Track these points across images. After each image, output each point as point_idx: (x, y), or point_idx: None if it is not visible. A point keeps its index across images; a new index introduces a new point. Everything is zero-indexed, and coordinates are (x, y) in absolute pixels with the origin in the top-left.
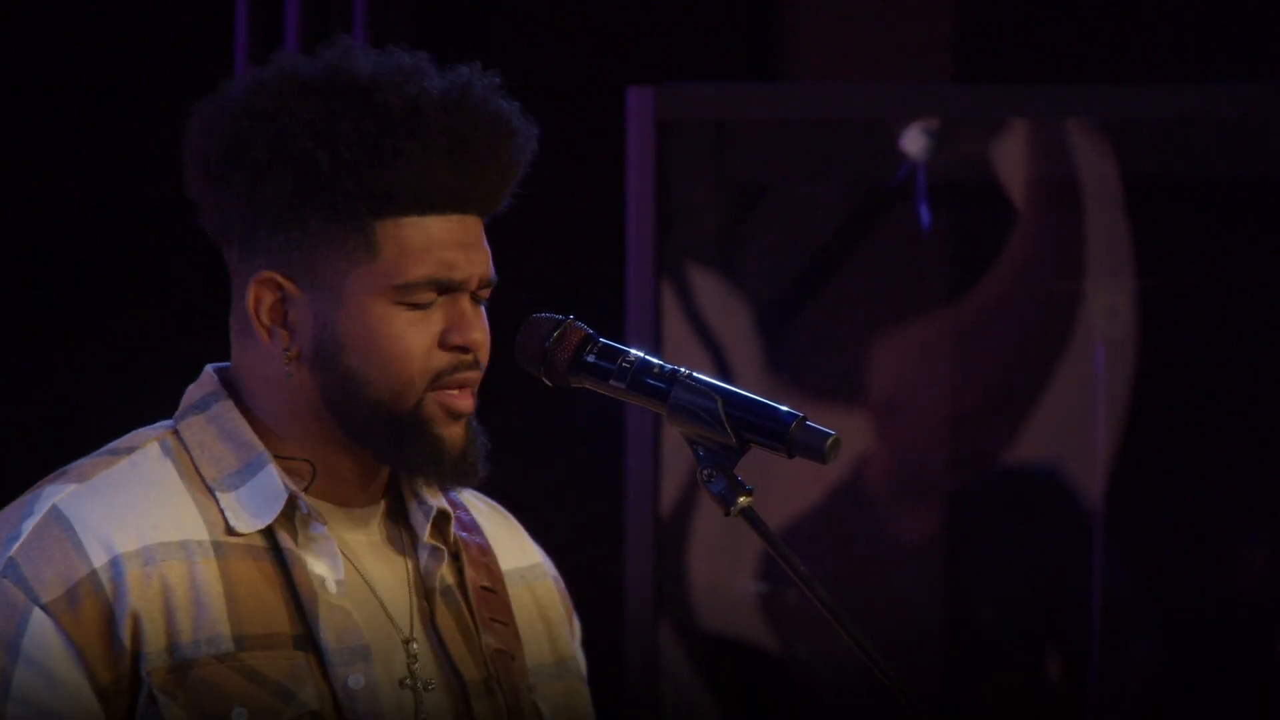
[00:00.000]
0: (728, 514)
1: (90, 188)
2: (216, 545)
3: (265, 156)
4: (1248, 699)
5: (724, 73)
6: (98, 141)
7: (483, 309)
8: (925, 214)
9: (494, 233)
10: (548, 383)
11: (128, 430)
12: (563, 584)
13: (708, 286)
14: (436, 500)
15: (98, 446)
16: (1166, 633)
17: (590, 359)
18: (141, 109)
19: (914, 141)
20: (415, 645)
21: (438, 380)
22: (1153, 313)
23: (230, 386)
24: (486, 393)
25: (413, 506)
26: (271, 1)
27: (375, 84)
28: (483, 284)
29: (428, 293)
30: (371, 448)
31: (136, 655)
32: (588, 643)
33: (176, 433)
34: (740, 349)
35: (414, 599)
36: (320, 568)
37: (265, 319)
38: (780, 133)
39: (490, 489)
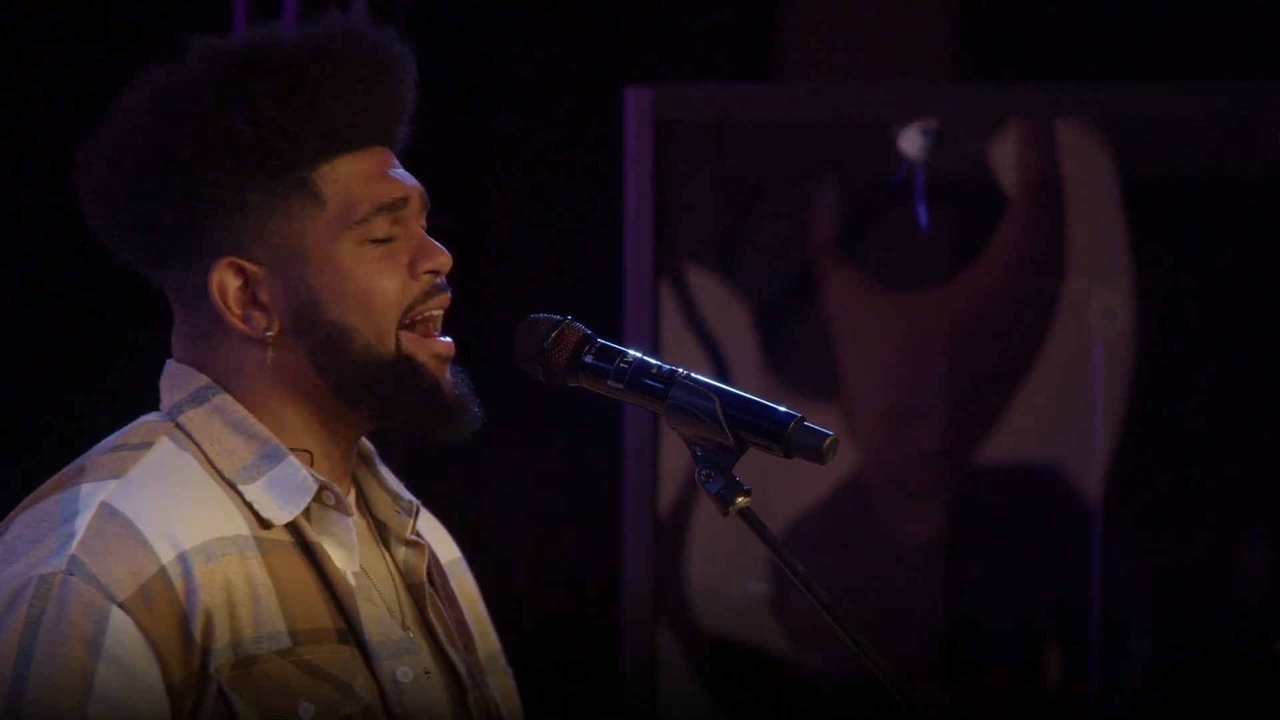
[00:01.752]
0: (726, 514)
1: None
2: (257, 540)
3: (191, 150)
4: (1247, 698)
5: (723, 73)
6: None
7: None
8: (924, 214)
9: (494, 232)
10: (546, 383)
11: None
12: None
13: (706, 286)
14: (405, 493)
15: (86, 449)
16: (1166, 632)
17: (588, 359)
18: None
19: (912, 141)
20: (412, 636)
21: (411, 312)
22: (1151, 313)
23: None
24: (486, 393)
25: (380, 499)
26: (271, 2)
27: (266, 45)
28: (423, 203)
29: (382, 222)
30: (369, 403)
31: (206, 652)
32: (587, 643)
33: (179, 426)
34: (739, 349)
35: (399, 592)
36: (340, 560)
37: (235, 306)
38: (779, 133)
39: (491, 489)
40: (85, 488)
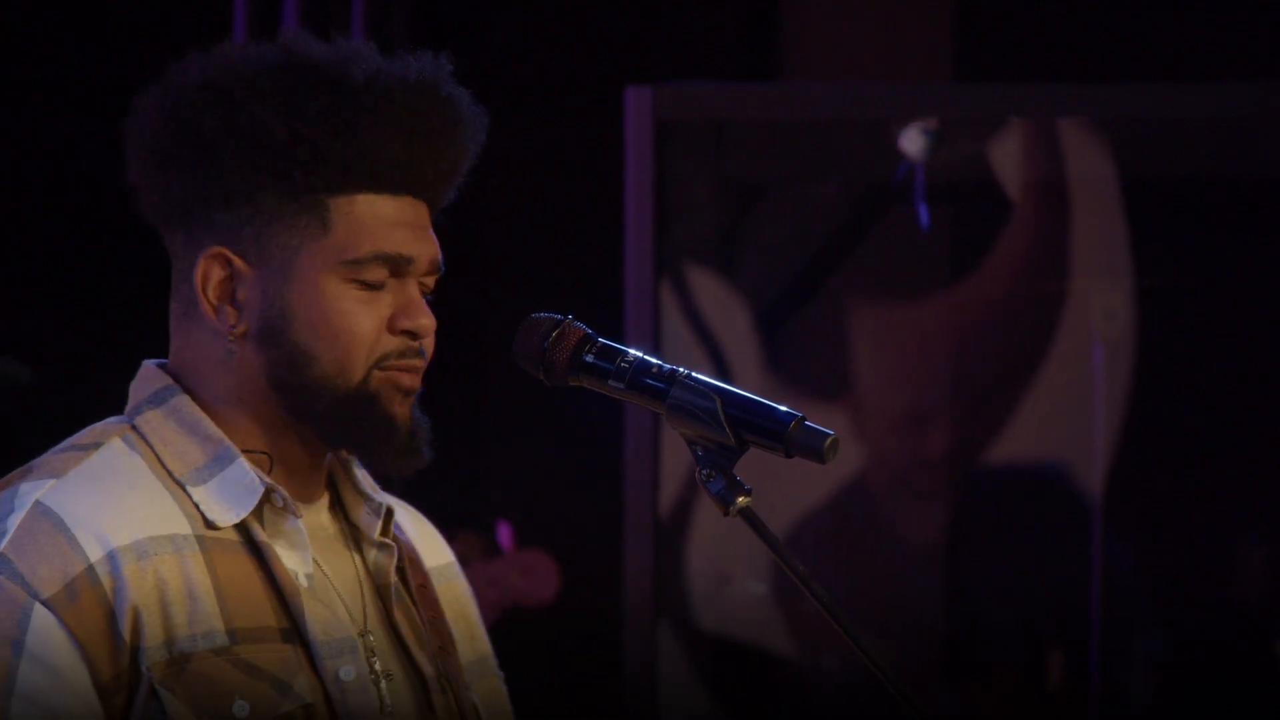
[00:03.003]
0: (726, 514)
1: (89, 187)
2: (200, 539)
3: (219, 131)
4: (1247, 697)
5: (723, 73)
6: (94, 140)
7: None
8: (924, 213)
9: (494, 232)
10: (546, 383)
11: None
12: (467, 582)
13: (707, 286)
14: (381, 497)
15: (31, 442)
16: (1166, 632)
17: (589, 359)
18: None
19: (913, 141)
20: (372, 638)
21: (383, 363)
22: (1151, 313)
23: (179, 380)
24: (486, 393)
25: (355, 501)
26: (271, 2)
27: (332, 62)
28: (431, 268)
29: (378, 270)
30: (317, 428)
31: (136, 650)
32: (588, 642)
33: (134, 428)
34: (739, 348)
35: (365, 593)
36: (292, 561)
37: (212, 296)
38: (779, 132)
39: (492, 489)
40: (24, 486)
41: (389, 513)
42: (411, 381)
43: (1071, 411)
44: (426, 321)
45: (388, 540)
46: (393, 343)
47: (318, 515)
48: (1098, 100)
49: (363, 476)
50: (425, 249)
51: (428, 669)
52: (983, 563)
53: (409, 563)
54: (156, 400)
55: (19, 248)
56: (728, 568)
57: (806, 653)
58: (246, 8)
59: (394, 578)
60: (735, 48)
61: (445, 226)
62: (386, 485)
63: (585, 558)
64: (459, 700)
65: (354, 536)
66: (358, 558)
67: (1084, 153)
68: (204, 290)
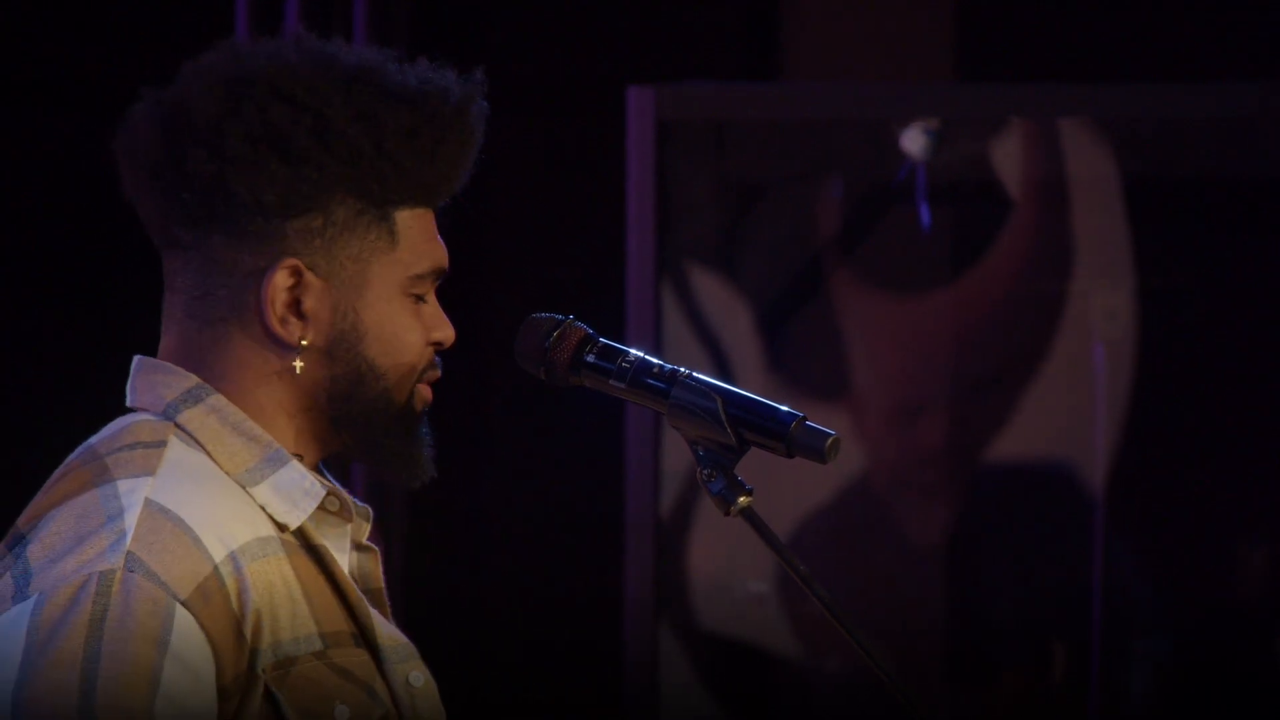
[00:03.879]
0: (727, 514)
1: (89, 187)
2: (283, 542)
3: (304, 142)
4: (1249, 697)
5: (724, 73)
6: (95, 141)
7: None
8: (925, 213)
9: (495, 232)
10: (547, 382)
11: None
12: None
13: (708, 286)
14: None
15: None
16: (1168, 631)
17: (590, 359)
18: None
19: (914, 141)
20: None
21: (422, 376)
22: (1152, 312)
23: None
24: (486, 393)
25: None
26: (272, 2)
27: (406, 80)
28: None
29: (428, 283)
30: (354, 438)
31: (254, 652)
32: (588, 642)
33: (178, 425)
34: (740, 349)
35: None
36: (342, 563)
37: (279, 308)
38: (780, 133)
39: (492, 489)
40: (123, 484)
41: (372, 517)
42: (431, 396)
43: (1072, 411)
44: (452, 332)
45: (370, 544)
46: (428, 355)
47: None
48: (1098, 100)
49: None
50: (448, 259)
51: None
52: (984, 562)
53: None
54: (192, 398)
55: (18, 248)
56: (729, 568)
57: (808, 653)
58: (248, 7)
59: (381, 582)
60: (736, 48)
61: (446, 227)
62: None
63: (586, 558)
64: None
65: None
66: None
67: (1085, 153)
68: (272, 300)
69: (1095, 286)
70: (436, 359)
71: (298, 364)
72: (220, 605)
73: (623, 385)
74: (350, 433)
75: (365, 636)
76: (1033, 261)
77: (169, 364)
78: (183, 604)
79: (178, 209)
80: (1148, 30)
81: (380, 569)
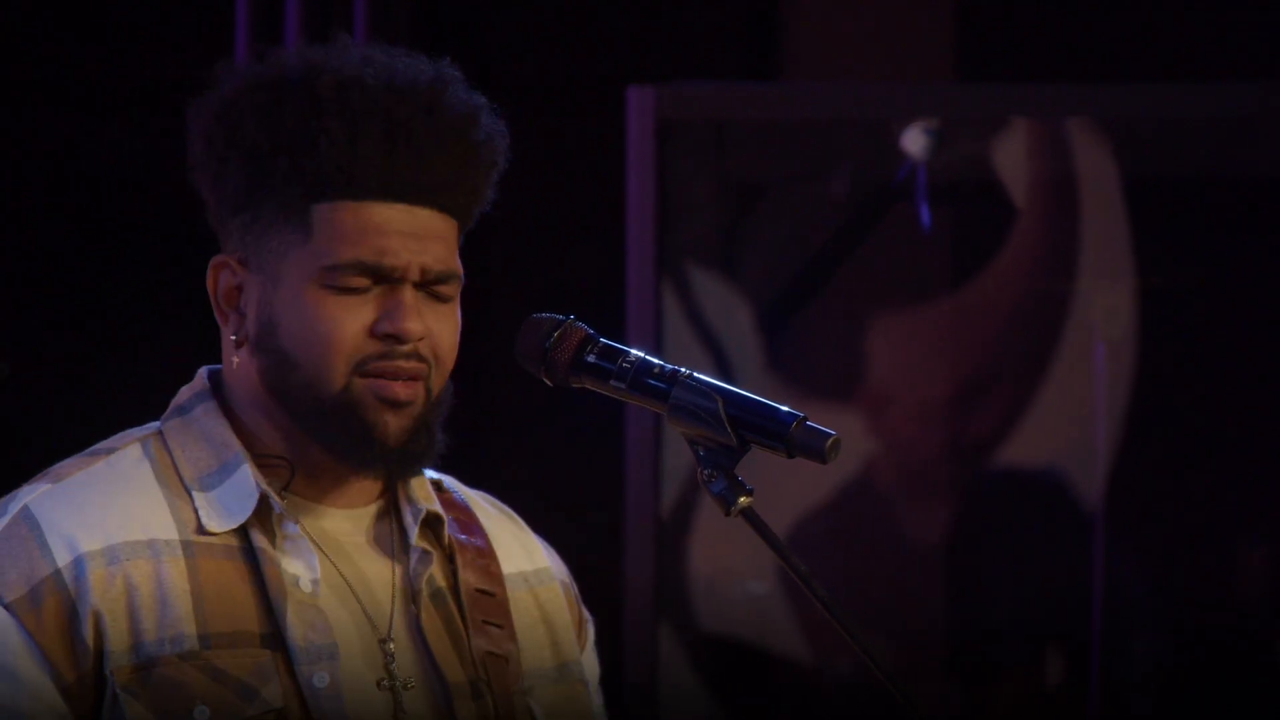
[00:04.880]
0: (728, 514)
1: (89, 187)
2: (186, 544)
3: (221, 149)
4: (1248, 698)
5: (724, 73)
6: (96, 141)
7: (448, 305)
8: (926, 213)
9: (495, 232)
10: (548, 383)
11: (116, 431)
12: (575, 589)
13: (708, 286)
14: (428, 503)
15: (83, 448)
16: (1168, 632)
17: (590, 359)
18: (140, 110)
19: (914, 141)
20: (392, 645)
21: (364, 366)
22: (1153, 312)
23: (218, 387)
24: (487, 393)
25: (404, 507)
26: (272, 2)
27: (307, 71)
28: (426, 276)
29: (357, 277)
30: (309, 432)
31: (100, 654)
32: None
33: (160, 434)
34: (740, 349)
35: (396, 600)
36: (295, 567)
37: (223, 303)
38: (780, 132)
39: (492, 488)
40: (24, 490)
41: (430, 517)
42: (403, 392)
43: (1074, 411)
44: (413, 326)
45: (425, 545)
46: (373, 346)
47: (357, 520)
48: (1099, 100)
49: (418, 482)
50: (416, 258)
51: (457, 675)
52: (984, 563)
53: (470, 567)
54: (185, 408)
55: (18, 248)
56: (729, 568)
57: (808, 653)
58: (248, 8)
59: (426, 584)
60: (736, 48)
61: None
62: (479, 486)
63: (586, 558)
64: (501, 707)
65: (403, 543)
66: (398, 564)
67: (1086, 152)
68: (215, 296)
69: (1096, 286)
70: (409, 352)
71: (234, 358)
72: (53, 608)
73: (623, 385)
74: (304, 425)
75: (280, 637)
76: (1033, 262)
77: (203, 372)
78: (5, 606)
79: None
80: (1148, 30)
81: (429, 570)
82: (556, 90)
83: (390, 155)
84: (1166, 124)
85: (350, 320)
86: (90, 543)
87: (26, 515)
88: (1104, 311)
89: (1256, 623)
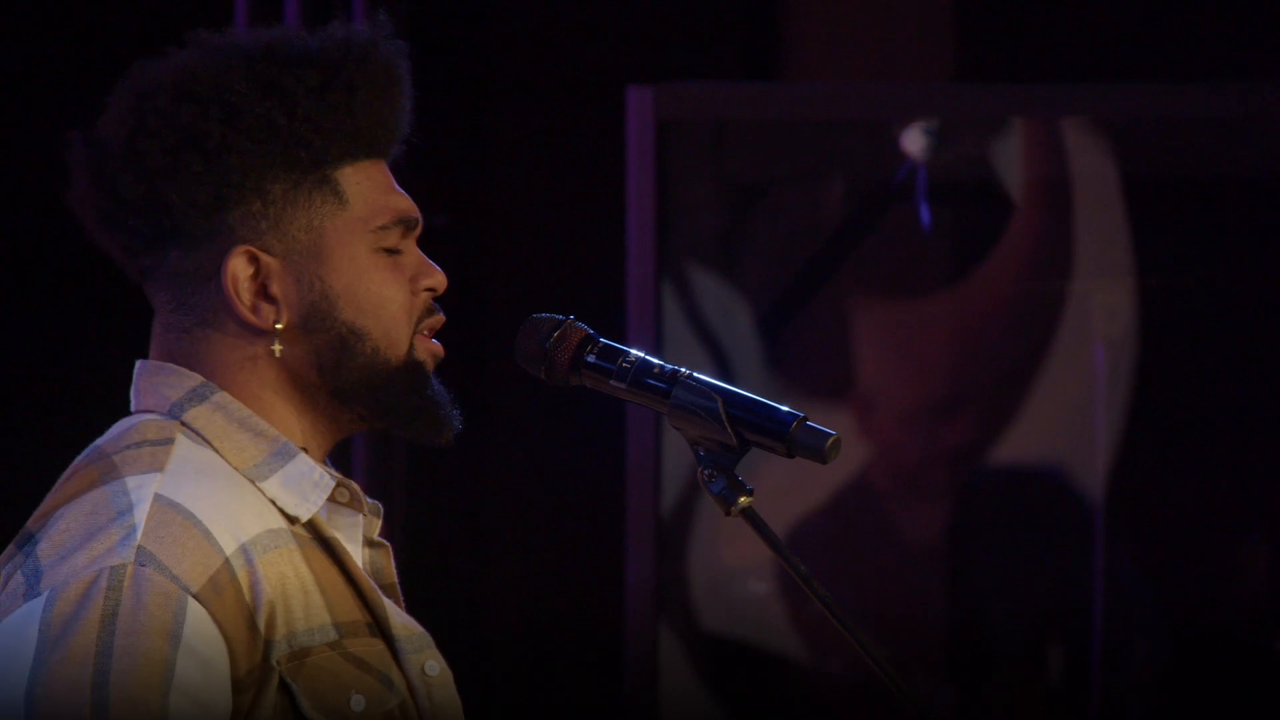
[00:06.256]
0: (728, 514)
1: None
2: (290, 534)
3: (218, 133)
4: (1248, 698)
5: (724, 73)
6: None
7: None
8: (925, 213)
9: (495, 232)
10: (548, 383)
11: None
12: None
13: (708, 286)
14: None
15: (82, 446)
16: (1168, 631)
17: (591, 359)
18: None
19: (914, 141)
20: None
21: (419, 325)
22: (1153, 312)
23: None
24: (487, 393)
25: (363, 499)
26: (272, 2)
27: (298, 42)
28: (420, 225)
29: (396, 234)
30: (367, 407)
31: (269, 644)
32: (589, 643)
33: (184, 424)
34: (740, 349)
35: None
36: (359, 555)
37: (245, 296)
38: (780, 133)
39: (492, 488)
40: (131, 480)
41: (382, 512)
42: (440, 348)
43: (1073, 411)
44: (442, 278)
45: (382, 540)
46: (421, 302)
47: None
48: (1098, 100)
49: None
50: (416, 207)
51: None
52: (984, 562)
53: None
54: (197, 397)
55: (18, 248)
56: (729, 568)
57: (808, 653)
58: (247, 7)
59: (394, 577)
60: (736, 48)
61: (447, 227)
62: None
63: (586, 558)
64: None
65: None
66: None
67: (1085, 152)
68: (236, 292)
69: (1095, 286)
70: (435, 305)
71: (276, 348)
72: (232, 597)
73: (623, 385)
74: (359, 402)
75: (380, 627)
76: (1033, 261)
77: (171, 365)
78: (194, 597)
79: (132, 238)
80: (1148, 30)
81: (393, 564)
82: (556, 90)
83: (390, 110)
84: (1166, 124)
85: (400, 280)
86: (247, 530)
87: (168, 503)
88: (1103, 311)
89: (1256, 622)
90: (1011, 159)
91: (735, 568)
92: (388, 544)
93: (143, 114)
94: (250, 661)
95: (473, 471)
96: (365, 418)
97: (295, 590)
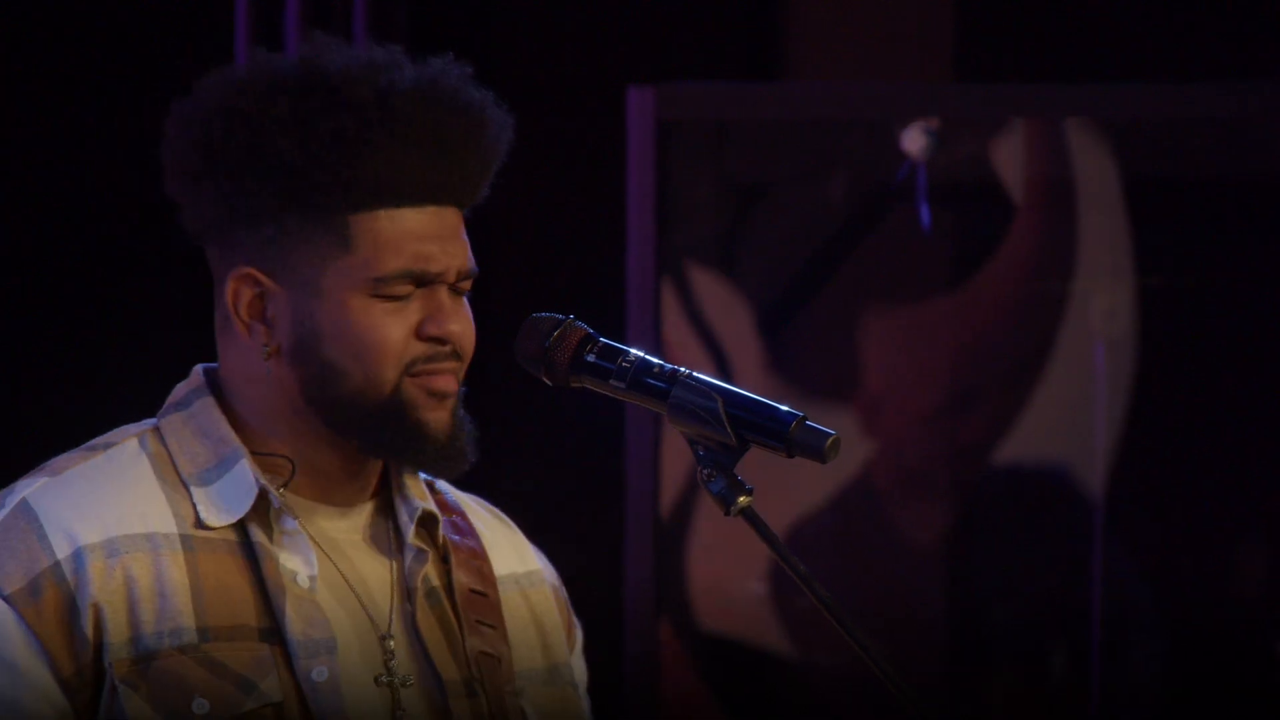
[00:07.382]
0: (728, 514)
1: (88, 187)
2: (184, 538)
3: (240, 156)
4: (1248, 697)
5: (724, 73)
6: (96, 141)
7: (464, 300)
8: (925, 214)
9: (495, 232)
10: (548, 382)
11: (112, 428)
12: (564, 593)
13: (708, 286)
14: (424, 503)
15: (80, 444)
16: (1167, 631)
17: (590, 359)
18: (139, 109)
19: (914, 141)
20: (392, 642)
21: (413, 368)
22: (1153, 313)
23: (215, 385)
24: (487, 393)
25: (400, 506)
26: (271, 2)
27: (344, 78)
28: (460, 276)
29: (404, 285)
30: (355, 439)
31: (99, 646)
32: (588, 643)
33: (158, 429)
34: (740, 349)
35: (395, 597)
36: (293, 562)
37: (244, 314)
38: (780, 133)
39: (491, 488)
40: (21, 484)
41: (426, 516)
42: (445, 384)
43: (1073, 411)
44: (455, 327)
45: (420, 544)
46: (420, 348)
47: (353, 518)
48: (1099, 100)
49: (413, 481)
50: (453, 259)
51: (451, 674)
52: (984, 562)
53: (464, 568)
54: (183, 403)
55: (17, 248)
56: (729, 568)
57: (808, 653)
58: (247, 8)
59: (421, 582)
60: (736, 48)
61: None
62: (463, 487)
63: (586, 558)
64: (494, 706)
65: (399, 541)
66: (395, 561)
67: (1085, 152)
68: (235, 309)
69: (1096, 286)
70: (451, 352)
71: (268, 368)
72: (53, 601)
73: (623, 385)
74: (349, 434)
75: (278, 631)
76: (1033, 262)
77: (199, 370)
78: (5, 599)
79: (187, 229)
80: (1148, 30)
81: (423, 569)
82: (556, 90)
83: (428, 161)
84: (1166, 124)
85: (399, 326)
86: (89, 535)
87: (25, 508)
88: (1103, 311)
89: (1256, 622)
90: (1012, 159)
91: (735, 568)
92: (425, 549)
93: (187, 118)
94: (77, 663)
95: (472, 471)
96: (360, 450)
97: (146, 594)
